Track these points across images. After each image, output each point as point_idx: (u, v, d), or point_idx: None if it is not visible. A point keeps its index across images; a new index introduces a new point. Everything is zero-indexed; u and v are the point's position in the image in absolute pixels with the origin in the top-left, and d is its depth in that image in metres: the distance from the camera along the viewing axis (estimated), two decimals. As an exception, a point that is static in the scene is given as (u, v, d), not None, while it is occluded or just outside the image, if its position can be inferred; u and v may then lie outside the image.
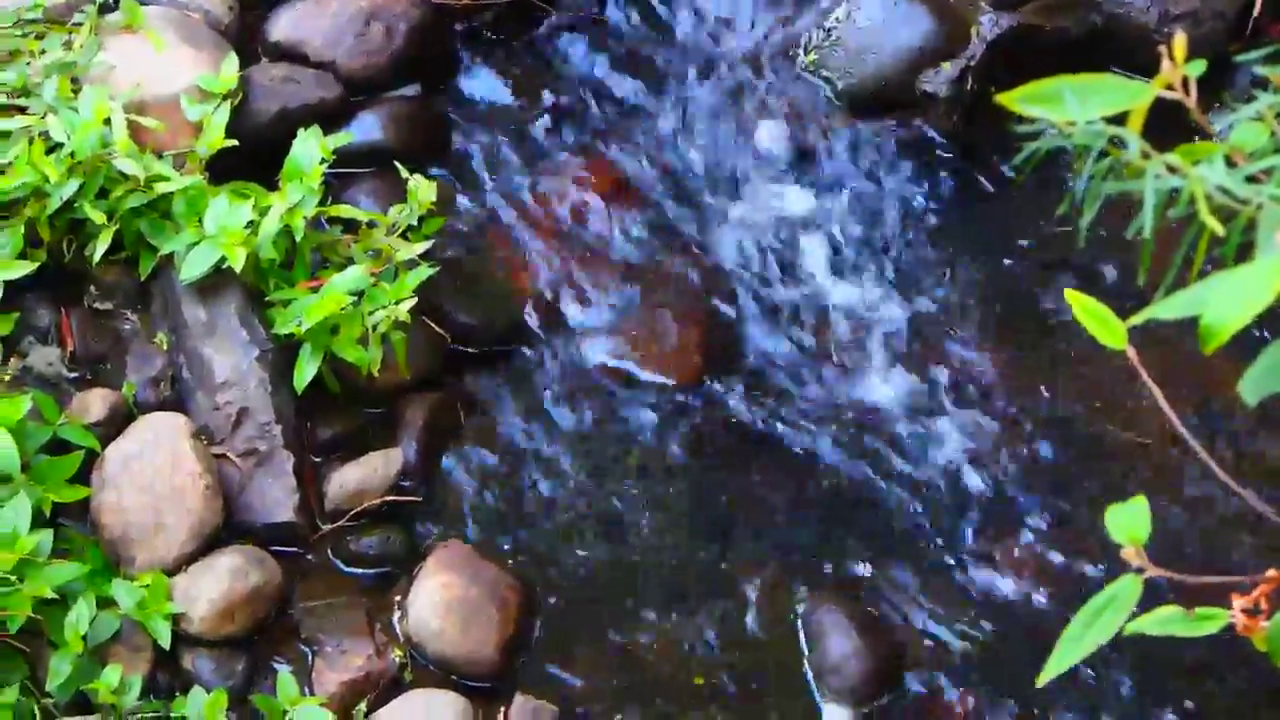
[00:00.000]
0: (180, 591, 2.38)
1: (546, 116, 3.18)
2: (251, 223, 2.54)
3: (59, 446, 2.43)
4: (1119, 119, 1.32)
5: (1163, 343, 2.39)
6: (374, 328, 2.54)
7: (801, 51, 3.23)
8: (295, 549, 2.55)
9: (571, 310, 2.90)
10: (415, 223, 2.73)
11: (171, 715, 2.29)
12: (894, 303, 2.93)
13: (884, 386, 2.83)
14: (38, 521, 2.30)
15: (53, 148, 2.56)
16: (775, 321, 2.91)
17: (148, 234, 2.59)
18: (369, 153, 2.94)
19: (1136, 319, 1.44)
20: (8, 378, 2.51)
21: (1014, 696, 2.46)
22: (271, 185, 2.67)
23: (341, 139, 2.78)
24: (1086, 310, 1.58)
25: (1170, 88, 1.31)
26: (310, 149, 2.66)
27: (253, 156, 2.76)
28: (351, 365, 2.56)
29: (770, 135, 3.16)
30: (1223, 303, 1.22)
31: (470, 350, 2.82)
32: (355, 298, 2.55)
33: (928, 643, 2.52)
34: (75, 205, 2.54)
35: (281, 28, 3.06)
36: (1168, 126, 1.43)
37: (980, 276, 2.97)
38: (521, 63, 3.26)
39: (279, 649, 2.44)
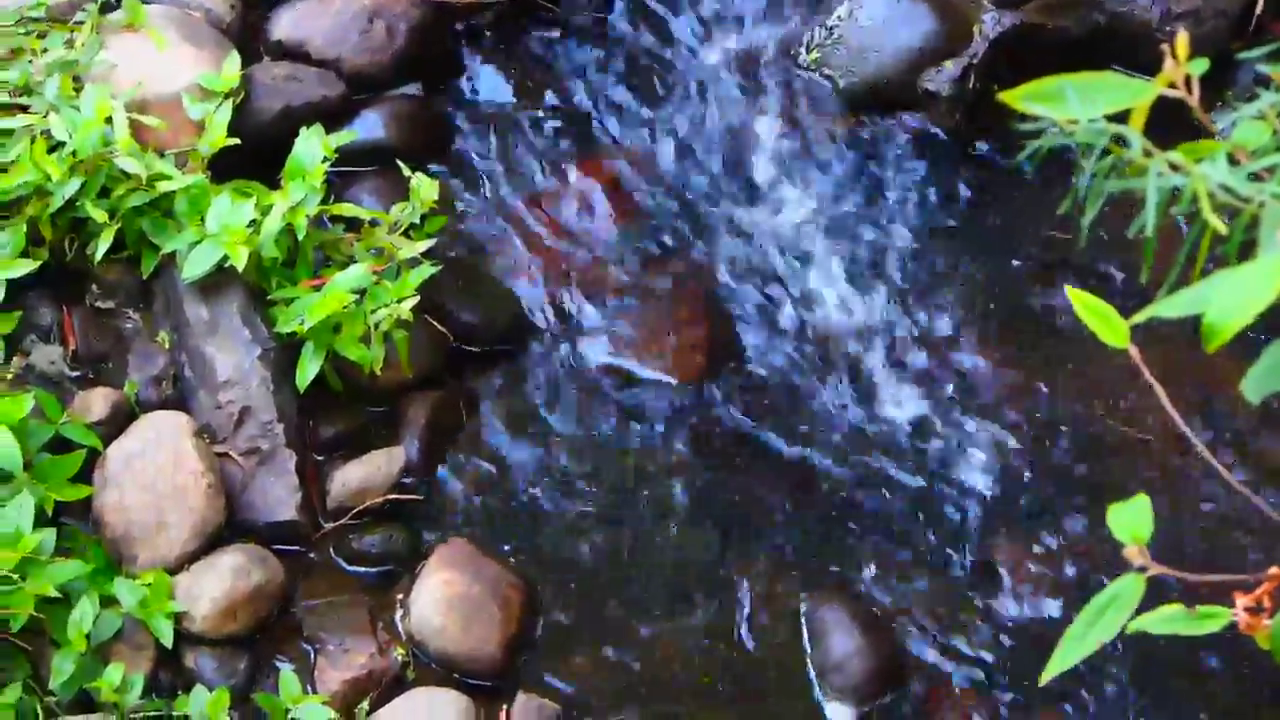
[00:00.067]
0: (182, 590, 2.38)
1: (547, 115, 3.18)
2: (254, 221, 2.54)
3: (61, 445, 2.43)
4: (1121, 117, 1.32)
5: (1165, 341, 2.39)
6: (376, 326, 2.54)
7: (803, 50, 3.23)
8: (297, 547, 2.55)
9: (573, 309, 2.91)
10: (417, 221, 2.73)
11: (174, 714, 2.29)
12: (895, 302, 2.93)
13: (885, 385, 2.83)
14: (40, 520, 2.30)
15: (55, 146, 2.56)
16: (777, 320, 2.91)
17: (150, 233, 2.59)
18: (371, 151, 2.94)
19: (1139, 317, 1.44)
20: (10, 376, 2.52)
21: (1016, 695, 2.46)
22: (274, 184, 2.67)
23: (344, 137, 2.78)
24: (1089, 308, 1.58)
25: (1173, 86, 1.31)
26: (312, 147, 2.66)
27: (255, 155, 2.77)
28: (354, 364, 2.56)
29: (772, 133, 3.16)
30: (1225, 301, 1.22)
31: (472, 349, 2.82)
32: (357, 296, 2.55)
33: (930, 641, 2.52)
34: (77, 204, 2.54)
35: (283, 26, 3.06)
36: (1170, 125, 1.43)
37: (982, 275, 2.97)
38: (522, 61, 3.26)
39: (281, 647, 2.44)
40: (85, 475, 2.43)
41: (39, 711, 2.23)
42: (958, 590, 2.58)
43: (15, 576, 2.19)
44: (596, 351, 2.85)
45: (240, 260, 2.49)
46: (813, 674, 2.49)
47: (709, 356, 2.85)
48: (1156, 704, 2.44)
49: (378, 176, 2.92)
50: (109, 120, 2.59)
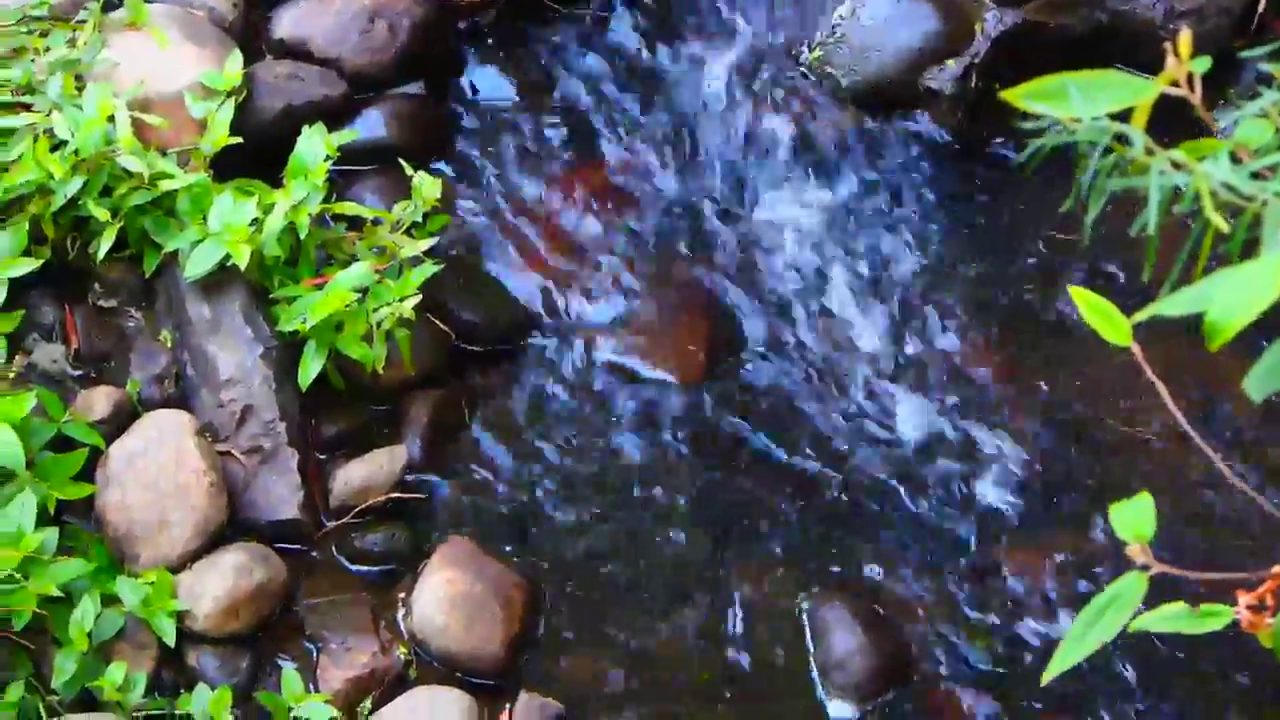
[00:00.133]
0: (185, 589, 2.38)
1: (549, 114, 3.18)
2: (256, 220, 2.54)
3: (63, 444, 2.43)
4: (1123, 115, 1.32)
5: (1167, 340, 2.39)
6: (378, 325, 2.55)
7: (806, 49, 3.23)
8: (300, 546, 2.55)
9: (575, 307, 2.91)
10: (420, 219, 2.73)
11: (176, 712, 2.29)
12: (897, 300, 2.93)
13: (886, 385, 2.83)
14: (42, 519, 2.30)
15: (57, 145, 2.57)
16: (779, 319, 2.91)
17: (152, 231, 2.59)
18: (373, 150, 2.95)
19: (1141, 315, 1.44)
20: (12, 375, 2.52)
21: (1018, 693, 2.45)
22: (276, 182, 2.67)
23: (346, 136, 2.78)
24: (1091, 306, 1.58)
25: (1175, 84, 1.31)
26: (315, 146, 2.66)
27: (257, 154, 2.77)
28: (356, 362, 2.56)
29: (774, 132, 3.16)
30: (1227, 300, 1.22)
31: (474, 347, 2.82)
32: (360, 295, 2.55)
33: (933, 639, 2.52)
34: (79, 202, 2.55)
35: (285, 25, 3.06)
36: (1172, 123, 1.43)
37: (984, 273, 2.97)
38: (524, 60, 3.26)
39: (283, 646, 2.44)
40: (87, 474, 2.43)
41: (41, 710, 2.23)
42: (959, 588, 2.58)
43: (18, 575, 2.20)
44: (598, 349, 2.85)
45: (242, 259, 2.49)
46: (815, 672, 2.49)
47: (711, 355, 2.85)
48: (1158, 703, 2.43)
49: (379, 175, 2.92)
50: (111, 119, 2.59)
